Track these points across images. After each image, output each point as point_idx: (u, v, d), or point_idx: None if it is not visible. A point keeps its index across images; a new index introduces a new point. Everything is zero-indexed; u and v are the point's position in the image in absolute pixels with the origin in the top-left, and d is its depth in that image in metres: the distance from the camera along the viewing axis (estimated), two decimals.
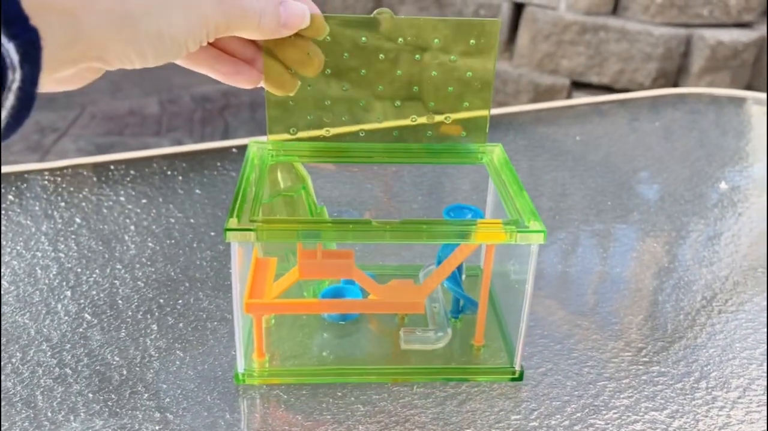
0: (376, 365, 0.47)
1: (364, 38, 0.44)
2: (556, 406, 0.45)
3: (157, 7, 0.32)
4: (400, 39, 0.44)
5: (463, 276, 0.51)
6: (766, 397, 0.46)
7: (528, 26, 2.48)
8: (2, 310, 0.51)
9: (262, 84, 0.44)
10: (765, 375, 0.48)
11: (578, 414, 0.44)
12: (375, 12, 0.43)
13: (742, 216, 0.68)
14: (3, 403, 0.43)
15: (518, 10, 2.51)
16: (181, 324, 0.50)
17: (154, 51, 0.33)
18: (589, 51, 2.42)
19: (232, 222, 0.40)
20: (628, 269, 0.60)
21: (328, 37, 0.43)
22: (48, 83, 0.31)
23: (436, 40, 0.44)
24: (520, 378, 0.47)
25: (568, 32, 2.42)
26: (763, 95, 0.99)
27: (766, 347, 0.51)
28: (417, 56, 0.45)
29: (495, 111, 0.90)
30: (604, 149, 0.83)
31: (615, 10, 2.42)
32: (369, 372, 0.46)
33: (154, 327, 0.50)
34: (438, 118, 0.47)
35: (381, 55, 0.45)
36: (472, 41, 0.44)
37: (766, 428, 0.44)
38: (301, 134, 0.47)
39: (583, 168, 0.78)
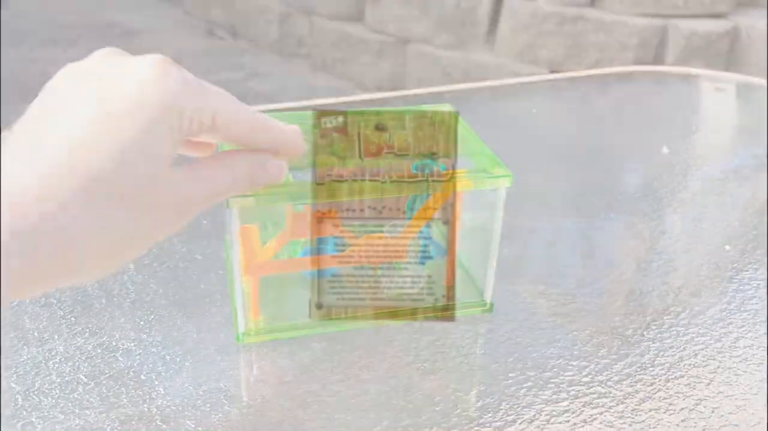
0: (361, 312, 0.50)
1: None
2: (487, 328, 0.50)
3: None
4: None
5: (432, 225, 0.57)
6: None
7: (508, 17, 2.54)
8: None
9: None
10: (711, 305, 0.54)
11: (503, 331, 0.50)
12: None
13: (677, 176, 0.74)
14: None
15: (499, 1, 2.57)
16: (155, 264, 0.56)
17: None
18: (567, 41, 2.48)
19: None
20: (568, 216, 0.65)
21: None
22: None
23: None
24: (491, 309, 0.52)
25: (547, 23, 2.48)
26: (714, 73, 1.05)
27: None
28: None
29: (457, 87, 0.96)
30: (557, 120, 0.89)
31: (593, 1, 2.48)
32: (354, 318, 0.50)
33: (131, 266, 0.55)
34: None
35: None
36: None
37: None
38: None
39: (535, 137, 0.83)
